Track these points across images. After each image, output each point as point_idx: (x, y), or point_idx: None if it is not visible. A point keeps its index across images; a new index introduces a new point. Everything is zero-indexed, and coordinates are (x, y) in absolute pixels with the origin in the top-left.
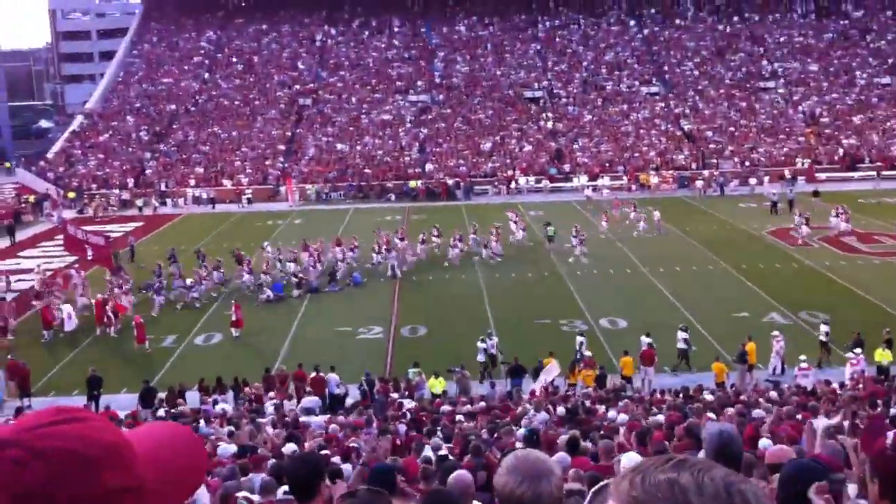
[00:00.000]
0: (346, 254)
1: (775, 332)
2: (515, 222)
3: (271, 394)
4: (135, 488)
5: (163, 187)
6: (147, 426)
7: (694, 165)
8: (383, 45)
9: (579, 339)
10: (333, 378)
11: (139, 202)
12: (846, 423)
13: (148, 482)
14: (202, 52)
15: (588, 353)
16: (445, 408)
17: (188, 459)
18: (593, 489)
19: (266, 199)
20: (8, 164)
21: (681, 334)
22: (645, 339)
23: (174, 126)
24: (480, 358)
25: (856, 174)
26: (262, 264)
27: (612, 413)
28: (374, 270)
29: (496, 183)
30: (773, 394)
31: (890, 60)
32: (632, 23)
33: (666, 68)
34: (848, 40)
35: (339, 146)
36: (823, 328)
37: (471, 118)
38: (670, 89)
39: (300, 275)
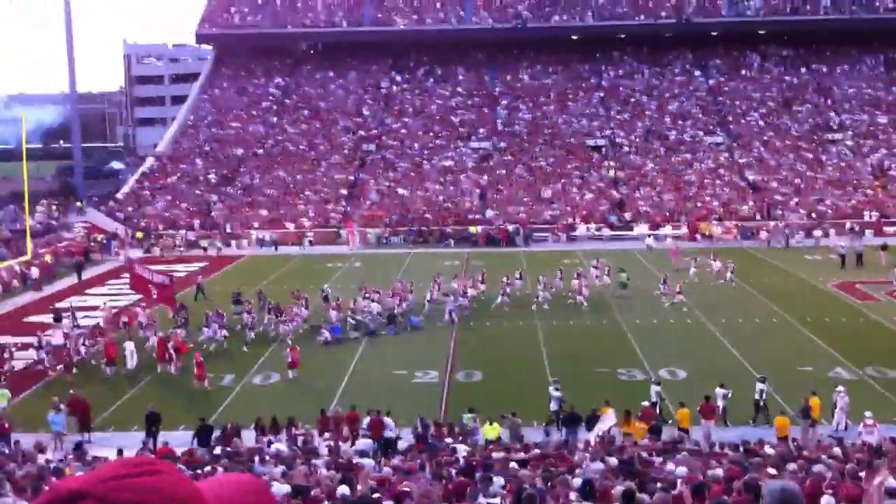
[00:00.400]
0: (433, 295)
1: (839, 388)
2: (596, 267)
3: (326, 434)
4: None
5: (228, 229)
6: (220, 478)
7: (758, 216)
8: (447, 93)
9: (654, 387)
10: (388, 421)
11: (204, 243)
12: None
13: None
14: (270, 97)
15: (645, 404)
16: (498, 454)
17: None
18: None
19: (327, 242)
20: (80, 204)
21: (759, 385)
22: (720, 391)
23: (241, 169)
24: (553, 406)
25: None
26: (350, 302)
27: (669, 465)
28: (431, 314)
29: (555, 230)
30: (837, 450)
31: None
32: (697, 72)
33: (730, 118)
34: None
35: (400, 191)
36: None
37: (532, 165)
38: (734, 139)
39: (357, 317)
